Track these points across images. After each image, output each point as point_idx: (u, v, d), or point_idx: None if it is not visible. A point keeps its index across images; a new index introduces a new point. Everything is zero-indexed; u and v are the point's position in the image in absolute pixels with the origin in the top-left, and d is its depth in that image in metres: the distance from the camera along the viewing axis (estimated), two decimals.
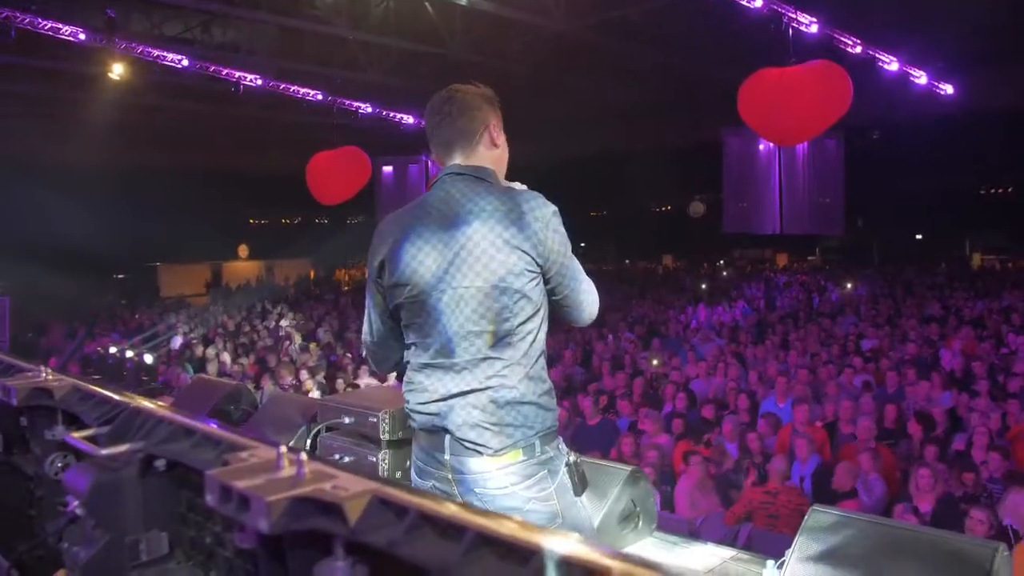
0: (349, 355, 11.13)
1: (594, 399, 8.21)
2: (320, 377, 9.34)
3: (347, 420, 3.38)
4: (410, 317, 2.07)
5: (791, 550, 3.00)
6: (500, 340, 1.95)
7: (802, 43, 12.03)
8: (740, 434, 7.02)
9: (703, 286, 19.67)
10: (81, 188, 16.80)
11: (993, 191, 25.15)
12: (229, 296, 19.28)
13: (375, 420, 3.19)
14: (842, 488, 5.78)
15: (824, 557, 2.89)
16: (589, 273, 2.15)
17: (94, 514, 1.03)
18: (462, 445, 1.96)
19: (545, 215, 1.97)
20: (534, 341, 2.00)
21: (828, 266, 25.85)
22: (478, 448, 1.95)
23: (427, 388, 2.04)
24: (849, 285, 17.78)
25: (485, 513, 0.63)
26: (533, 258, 1.95)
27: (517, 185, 2.16)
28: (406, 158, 21.39)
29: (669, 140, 19.77)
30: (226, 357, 10.75)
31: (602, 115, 17.78)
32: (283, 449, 0.78)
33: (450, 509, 0.65)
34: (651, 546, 3.48)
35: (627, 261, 30.18)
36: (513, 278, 1.94)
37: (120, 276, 23.69)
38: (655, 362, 10.08)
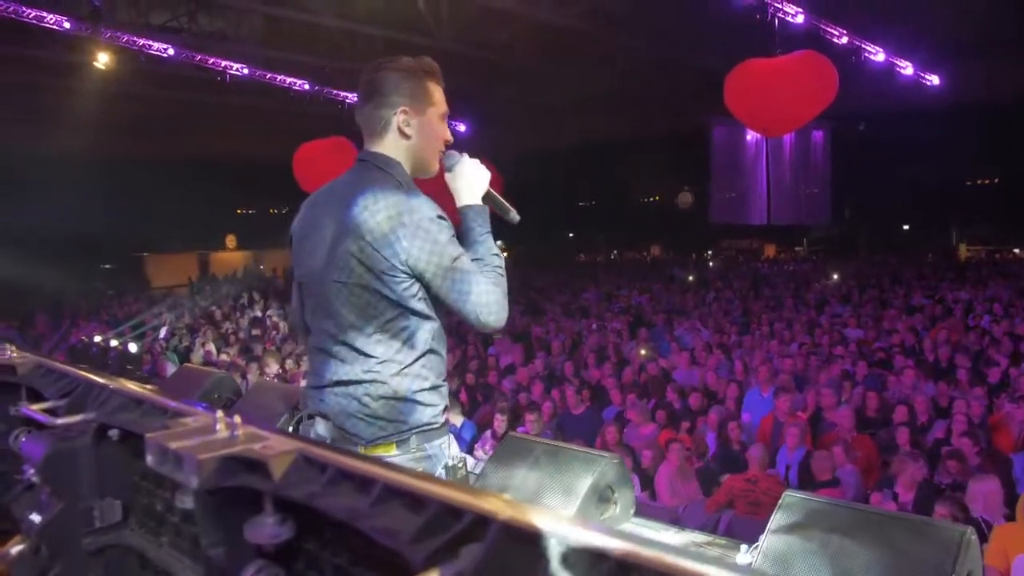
0: None
1: (578, 389, 8.26)
2: (304, 366, 9.35)
3: None
4: (303, 298, 2.11)
5: (764, 534, 3.07)
6: (370, 336, 1.93)
7: (788, 33, 12.09)
8: (723, 423, 7.09)
9: (690, 277, 19.72)
10: (67, 178, 16.74)
11: (979, 182, 25.30)
12: (215, 286, 19.22)
13: None
14: (822, 477, 5.85)
15: (795, 539, 2.95)
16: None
17: (49, 481, 1.07)
18: (340, 432, 1.97)
19: (413, 220, 1.88)
20: (410, 339, 1.95)
21: (815, 256, 25.98)
22: (352, 438, 1.95)
23: (315, 372, 2.05)
24: (835, 275, 17.86)
25: (394, 467, 0.67)
26: (394, 264, 1.89)
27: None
28: None
29: (656, 130, 19.80)
30: (211, 347, 10.75)
31: (589, 105, 17.76)
32: (219, 414, 0.82)
33: (364, 465, 0.69)
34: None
35: (615, 252, 30.25)
36: (372, 278, 1.90)
37: (107, 266, 23.60)
38: (643, 352, 10.13)
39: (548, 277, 21.19)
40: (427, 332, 1.98)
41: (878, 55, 14.26)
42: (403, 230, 1.87)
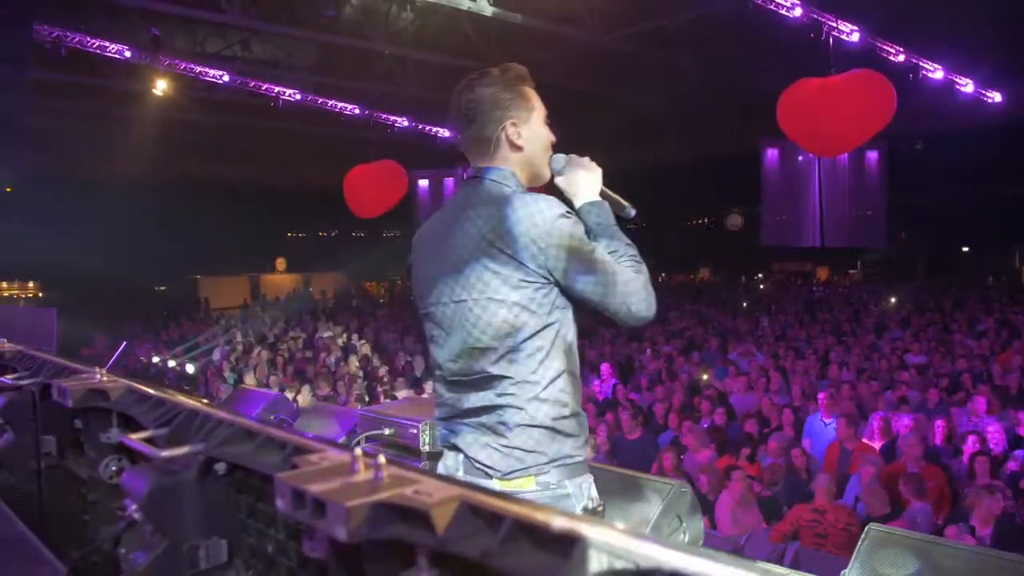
0: (387, 367, 11.13)
1: (632, 413, 8.09)
2: (358, 388, 9.34)
3: (387, 431, 3.36)
4: (428, 329, 2.01)
5: (848, 570, 2.90)
6: (503, 357, 1.82)
7: (843, 52, 11.88)
8: (786, 450, 6.85)
9: (743, 304, 19.37)
10: (125, 202, 17.14)
11: None
12: (267, 308, 19.48)
13: (415, 431, 3.18)
14: (880, 511, 5.61)
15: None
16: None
17: (152, 519, 0.99)
18: (473, 465, 1.86)
19: (543, 219, 1.79)
20: (544, 359, 1.83)
21: (873, 279, 25.32)
22: (487, 470, 1.83)
23: (444, 403, 1.95)
24: (893, 299, 17.37)
25: (593, 520, 0.57)
26: (532, 268, 1.80)
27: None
28: (442, 171, 21.54)
29: (706, 152, 19.57)
30: (265, 368, 10.81)
31: (638, 127, 17.67)
32: (358, 451, 0.73)
33: (551, 518, 0.59)
34: None
35: (663, 274, 29.95)
36: (509, 289, 1.80)
37: (162, 288, 24.08)
38: (705, 376, 9.94)
39: None
40: (563, 350, 1.87)
41: (936, 72, 13.93)
42: (535, 231, 1.78)
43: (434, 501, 0.64)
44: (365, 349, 12.85)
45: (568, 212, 1.85)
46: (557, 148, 2.11)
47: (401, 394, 8.71)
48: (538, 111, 2.02)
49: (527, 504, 0.63)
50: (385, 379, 10.11)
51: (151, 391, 1.27)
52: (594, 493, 1.92)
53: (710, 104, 16.31)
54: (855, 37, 12.21)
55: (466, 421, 1.87)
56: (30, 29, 9.74)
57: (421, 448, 3.15)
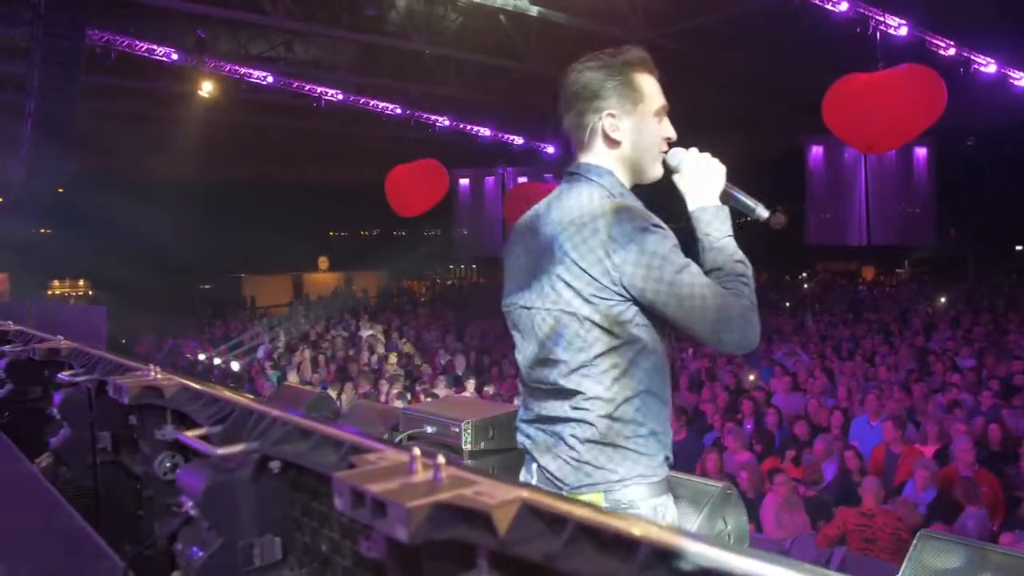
0: (428, 365, 11.19)
1: (677, 414, 8.01)
2: (399, 387, 9.40)
3: (429, 430, 3.37)
4: (509, 327, 1.89)
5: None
6: (575, 371, 1.68)
7: (891, 46, 11.65)
8: (834, 453, 6.73)
9: (787, 303, 19.07)
10: (172, 201, 17.51)
11: None
12: (311, 307, 19.74)
13: (457, 430, 3.18)
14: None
15: None
16: None
17: (208, 515, 1.00)
18: (544, 475, 1.75)
19: (620, 232, 1.63)
20: (622, 376, 1.67)
21: (922, 279, 24.74)
22: (556, 481, 1.73)
23: (525, 405, 1.85)
24: (943, 299, 16.95)
25: (655, 525, 0.56)
26: (605, 284, 1.64)
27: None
28: (482, 170, 21.60)
29: (749, 149, 19.28)
30: (308, 366, 10.94)
31: (681, 125, 17.46)
32: (416, 452, 0.73)
33: (615, 521, 0.58)
34: None
35: None
36: (581, 303, 1.66)
37: (207, 287, 24.52)
38: (751, 378, 9.82)
39: None
40: (644, 369, 1.70)
41: (989, 66, 13.56)
42: (613, 244, 1.63)
43: (496, 502, 0.63)
44: (406, 348, 12.93)
45: (654, 225, 1.67)
46: None
47: (442, 393, 8.75)
48: (650, 102, 1.83)
49: (588, 507, 0.61)
50: (426, 378, 10.16)
51: (204, 389, 1.28)
52: (671, 514, 1.80)
53: (754, 101, 16.10)
54: (903, 31, 11.96)
55: (542, 427, 1.77)
56: (82, 34, 9.99)
57: (463, 447, 3.16)
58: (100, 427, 1.66)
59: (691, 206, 1.87)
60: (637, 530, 0.56)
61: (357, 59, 15.04)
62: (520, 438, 1.85)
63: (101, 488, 1.66)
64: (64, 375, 1.76)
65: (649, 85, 1.84)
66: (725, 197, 1.89)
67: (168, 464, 1.39)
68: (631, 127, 1.80)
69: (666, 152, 1.89)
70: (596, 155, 1.82)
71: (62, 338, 2.19)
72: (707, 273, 1.74)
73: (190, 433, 1.10)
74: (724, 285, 1.70)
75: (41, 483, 1.54)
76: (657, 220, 1.70)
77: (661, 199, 1.96)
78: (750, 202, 1.93)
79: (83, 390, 1.66)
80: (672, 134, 1.90)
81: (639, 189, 1.89)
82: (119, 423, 1.64)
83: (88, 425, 1.66)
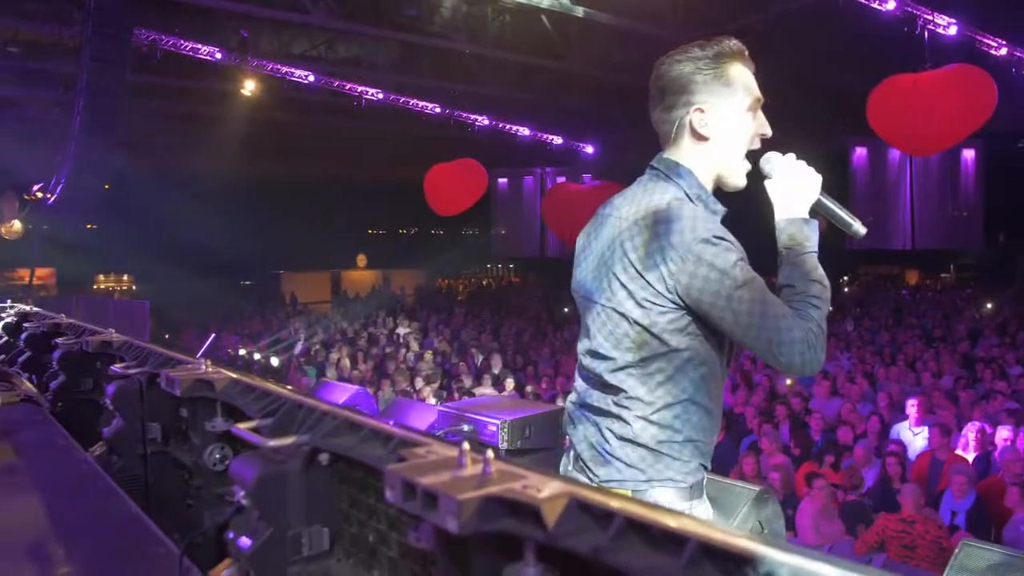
0: (464, 363, 11.24)
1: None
2: (435, 384, 9.46)
3: (465, 428, 3.39)
4: (578, 309, 1.89)
5: None
6: (621, 369, 1.67)
7: (939, 46, 11.42)
8: (876, 458, 6.64)
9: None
10: (213, 199, 17.83)
11: None
12: (350, 304, 19.95)
13: (494, 429, 3.19)
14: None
15: None
16: None
17: (260, 505, 1.03)
18: (578, 461, 1.77)
19: (680, 241, 1.57)
20: (666, 382, 1.64)
21: (970, 284, 24.20)
22: (587, 470, 1.73)
23: (575, 388, 1.84)
24: (990, 304, 16.55)
25: (703, 522, 0.57)
26: (659, 291, 1.60)
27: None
28: (521, 170, 21.62)
29: (792, 151, 19.08)
30: (346, 362, 11.06)
31: None
32: (466, 446, 0.75)
33: (664, 517, 0.59)
34: None
35: None
36: (633, 305, 1.63)
37: (247, 283, 24.90)
38: (788, 382, 9.70)
39: None
40: (690, 378, 1.66)
41: None
42: (671, 252, 1.58)
43: (544, 496, 0.65)
44: (443, 346, 13.00)
45: (718, 237, 1.60)
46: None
47: (478, 391, 8.79)
48: (743, 97, 1.76)
49: (636, 502, 0.63)
50: (461, 376, 10.21)
51: (254, 383, 1.32)
52: (704, 517, 1.75)
53: (797, 102, 15.87)
54: (952, 30, 11.71)
55: (586, 414, 1.77)
56: (130, 34, 10.21)
57: (500, 446, 3.17)
58: (150, 418, 1.72)
59: (777, 215, 1.80)
60: (685, 526, 0.57)
61: (397, 59, 15.15)
62: (565, 418, 1.86)
63: (151, 477, 1.71)
64: (116, 367, 1.81)
65: (743, 77, 1.77)
66: (818, 208, 1.80)
67: (218, 455, 1.43)
68: (720, 122, 1.74)
69: (758, 151, 1.83)
70: (681, 151, 1.77)
71: (113, 331, 2.25)
72: (780, 288, 1.70)
73: (242, 425, 1.14)
74: (792, 304, 1.64)
75: (97, 471, 1.60)
76: (723, 232, 1.65)
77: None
78: (847, 217, 1.82)
79: (135, 382, 1.72)
80: (767, 130, 1.83)
81: (724, 197, 1.82)
82: (169, 414, 1.69)
83: (139, 416, 1.71)
